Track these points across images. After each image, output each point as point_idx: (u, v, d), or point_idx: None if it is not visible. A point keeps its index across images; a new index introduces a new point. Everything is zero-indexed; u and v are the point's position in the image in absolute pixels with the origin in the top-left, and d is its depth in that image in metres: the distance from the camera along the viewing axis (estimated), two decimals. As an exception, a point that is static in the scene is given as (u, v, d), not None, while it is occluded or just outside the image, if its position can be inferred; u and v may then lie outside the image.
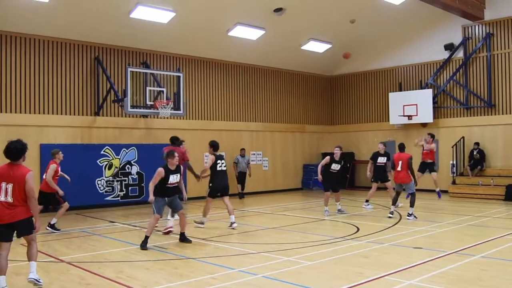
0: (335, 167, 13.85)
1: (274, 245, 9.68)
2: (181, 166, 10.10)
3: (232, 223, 11.62)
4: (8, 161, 6.60)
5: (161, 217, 9.72)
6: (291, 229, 11.65)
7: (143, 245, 9.25)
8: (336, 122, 24.53)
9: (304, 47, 20.68)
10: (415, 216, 12.70)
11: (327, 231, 11.21)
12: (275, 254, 8.76)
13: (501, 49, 18.82)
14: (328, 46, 21.14)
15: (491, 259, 8.18)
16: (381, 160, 15.13)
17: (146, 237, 9.32)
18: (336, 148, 13.96)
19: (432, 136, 15.72)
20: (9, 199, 6.38)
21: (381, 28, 20.39)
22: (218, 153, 11.76)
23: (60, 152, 11.59)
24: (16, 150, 6.51)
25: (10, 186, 6.38)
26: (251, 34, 18.43)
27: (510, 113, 18.56)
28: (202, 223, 11.82)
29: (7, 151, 6.51)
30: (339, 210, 14.09)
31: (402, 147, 13.39)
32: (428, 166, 15.56)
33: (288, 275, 7.26)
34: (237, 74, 20.65)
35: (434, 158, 15.87)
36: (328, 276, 7.23)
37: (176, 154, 9.66)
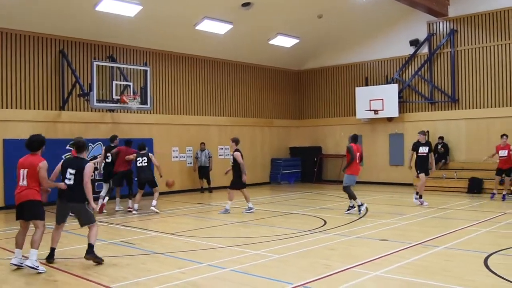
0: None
1: (242, 239, 9.72)
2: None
3: (135, 210, 13.54)
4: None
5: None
6: (258, 223, 11.71)
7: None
8: (304, 116, 24.67)
9: (272, 42, 20.71)
10: (354, 207, 12.58)
11: (295, 225, 11.28)
12: (243, 248, 8.80)
13: (464, 45, 19.21)
14: (295, 41, 21.23)
15: (455, 250, 8.38)
16: (422, 150, 14.57)
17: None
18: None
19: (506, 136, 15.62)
20: (25, 183, 7.45)
21: (348, 23, 20.57)
22: (142, 152, 13.70)
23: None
24: (36, 142, 7.62)
25: (25, 171, 7.43)
26: (219, 28, 18.35)
27: (473, 108, 18.99)
28: (135, 210, 13.59)
29: (28, 143, 7.57)
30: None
31: (356, 138, 13.13)
32: (505, 172, 15.56)
33: (256, 268, 7.31)
34: (205, 68, 20.54)
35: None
36: (296, 269, 7.30)
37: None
